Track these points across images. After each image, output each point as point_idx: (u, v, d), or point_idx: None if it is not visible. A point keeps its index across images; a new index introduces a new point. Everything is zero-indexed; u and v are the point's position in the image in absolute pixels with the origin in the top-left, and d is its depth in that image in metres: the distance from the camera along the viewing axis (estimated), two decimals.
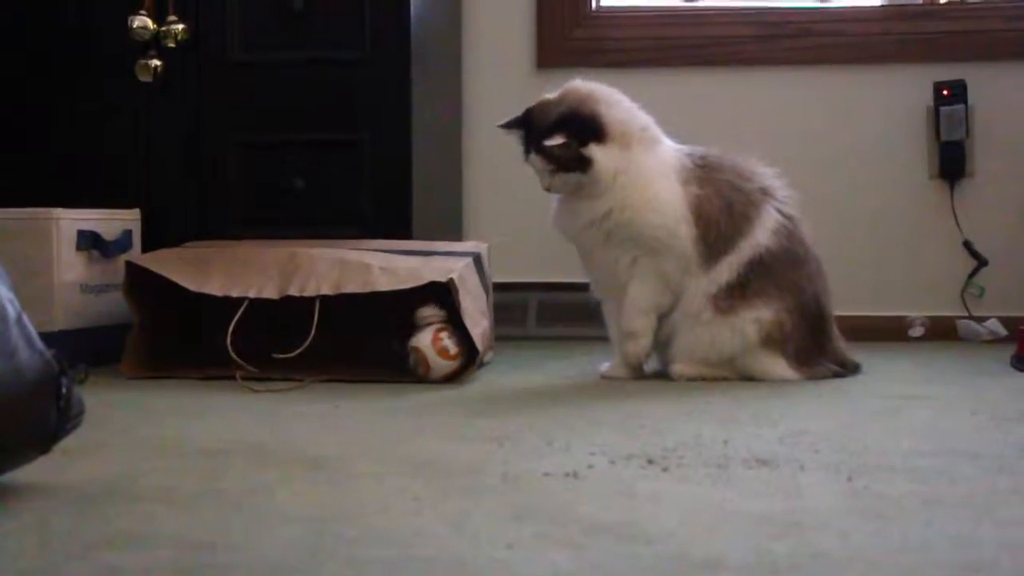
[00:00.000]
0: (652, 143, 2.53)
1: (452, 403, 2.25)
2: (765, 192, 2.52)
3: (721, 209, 2.47)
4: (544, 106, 2.53)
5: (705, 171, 2.52)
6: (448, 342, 2.48)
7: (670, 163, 2.51)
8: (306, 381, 2.47)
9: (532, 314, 3.58)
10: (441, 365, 2.48)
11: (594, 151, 2.45)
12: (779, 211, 2.51)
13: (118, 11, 3.12)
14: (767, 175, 2.56)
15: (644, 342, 2.53)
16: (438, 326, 2.49)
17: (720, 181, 2.50)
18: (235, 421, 2.05)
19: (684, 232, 2.46)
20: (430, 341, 2.47)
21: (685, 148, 2.57)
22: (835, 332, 2.59)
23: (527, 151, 2.52)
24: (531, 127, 2.51)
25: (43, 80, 3.23)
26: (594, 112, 2.48)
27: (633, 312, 2.52)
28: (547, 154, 2.46)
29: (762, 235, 2.47)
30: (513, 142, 2.57)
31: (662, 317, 2.53)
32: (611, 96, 2.54)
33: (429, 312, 2.51)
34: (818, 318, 2.53)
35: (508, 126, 2.56)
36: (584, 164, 2.45)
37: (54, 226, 2.70)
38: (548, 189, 2.53)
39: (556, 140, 2.44)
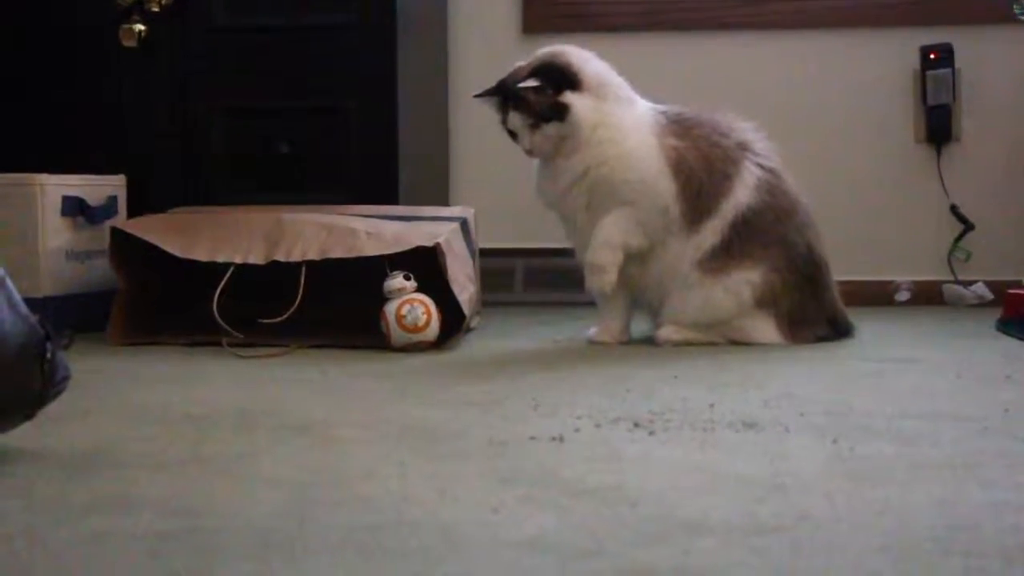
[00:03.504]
0: (627, 101, 2.53)
1: (438, 368, 2.25)
2: (743, 147, 2.51)
3: (701, 164, 2.46)
4: (517, 70, 2.53)
5: (681, 127, 2.51)
6: (415, 314, 2.45)
7: (645, 119, 2.51)
8: (292, 347, 2.47)
9: (519, 279, 3.58)
10: (400, 335, 2.45)
11: (570, 97, 2.45)
12: (759, 165, 2.49)
13: None
14: (745, 130, 2.55)
15: (609, 277, 2.50)
16: (407, 297, 2.45)
17: (697, 136, 2.50)
18: (221, 387, 2.05)
19: (664, 186, 2.45)
20: (395, 309, 2.45)
21: (660, 107, 2.56)
22: (832, 282, 2.58)
23: (504, 115, 2.51)
24: (505, 91, 2.51)
25: (27, 47, 3.21)
26: (567, 62, 2.49)
27: (601, 246, 2.49)
28: (523, 103, 2.46)
29: (743, 193, 2.46)
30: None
31: (644, 275, 2.52)
32: (584, 53, 2.54)
33: (396, 285, 2.46)
34: (813, 267, 2.51)
35: (483, 95, 2.56)
36: (561, 112, 2.45)
37: (39, 192, 2.69)
38: (530, 152, 2.52)
39: (530, 83, 2.45)
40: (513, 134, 2.52)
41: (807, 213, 2.55)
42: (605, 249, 2.49)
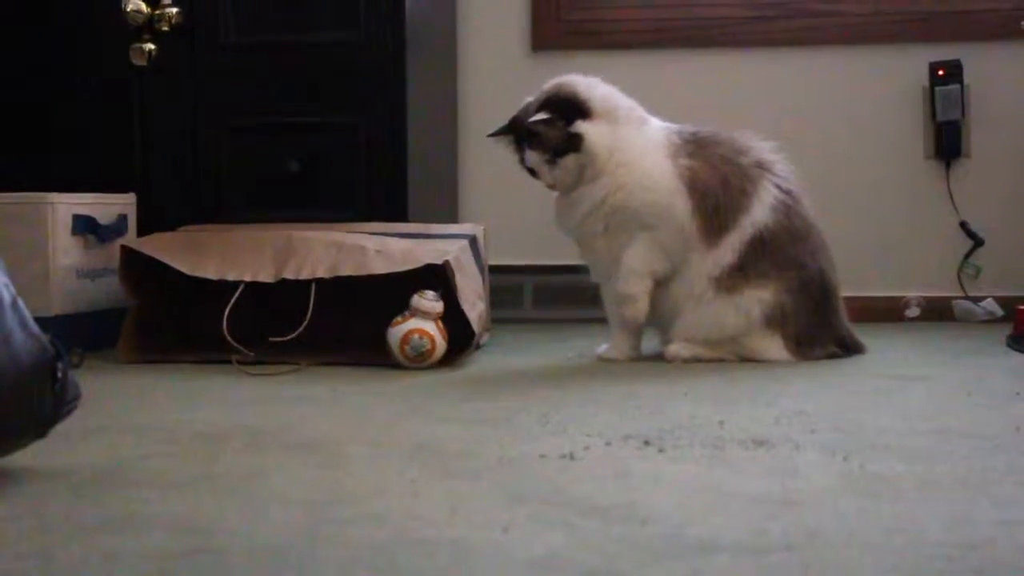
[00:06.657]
0: (639, 122, 2.53)
1: (448, 386, 2.25)
2: (761, 166, 2.51)
3: (717, 181, 2.46)
4: (526, 107, 2.54)
5: (696, 146, 2.51)
6: (417, 344, 2.41)
7: (658, 140, 2.52)
8: (302, 365, 2.47)
9: (528, 297, 3.58)
10: (402, 363, 2.43)
11: (582, 127, 2.46)
12: (777, 186, 2.49)
13: None
14: (763, 149, 2.55)
15: (641, 306, 2.51)
16: (411, 327, 2.43)
17: (713, 155, 2.50)
18: (231, 405, 2.05)
19: (679, 205, 2.46)
20: (399, 339, 2.42)
21: (674, 126, 2.57)
22: (841, 308, 2.58)
23: (521, 154, 2.53)
24: (519, 129, 2.52)
25: (38, 65, 3.22)
26: (574, 92, 2.50)
27: (629, 276, 2.51)
28: (537, 139, 2.47)
29: (761, 212, 2.46)
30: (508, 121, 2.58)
31: (660, 292, 2.52)
32: (591, 81, 2.54)
33: (424, 307, 2.45)
34: (824, 293, 2.51)
35: (497, 134, 2.58)
36: (575, 142, 2.46)
37: (49, 210, 2.69)
38: (552, 187, 2.54)
39: (540, 116, 2.45)
40: (533, 171, 2.53)
41: (821, 238, 2.55)
42: (634, 279, 2.50)
